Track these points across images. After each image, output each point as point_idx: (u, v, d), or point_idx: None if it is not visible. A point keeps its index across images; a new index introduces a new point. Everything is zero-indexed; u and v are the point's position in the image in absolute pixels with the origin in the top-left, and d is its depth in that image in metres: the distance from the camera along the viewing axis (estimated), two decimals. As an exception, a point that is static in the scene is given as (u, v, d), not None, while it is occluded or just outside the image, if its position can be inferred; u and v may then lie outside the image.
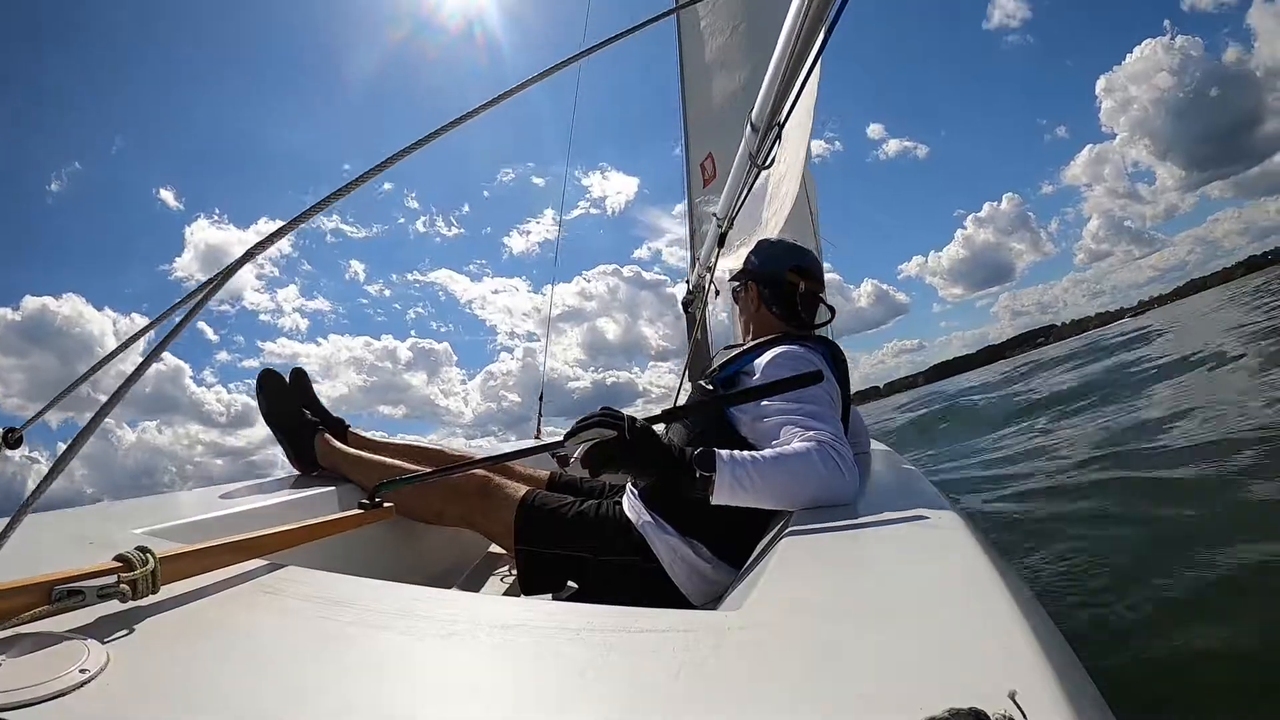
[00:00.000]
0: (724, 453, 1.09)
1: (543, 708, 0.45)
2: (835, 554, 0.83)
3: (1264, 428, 4.10)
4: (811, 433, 1.15)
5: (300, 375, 1.82)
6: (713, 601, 1.25)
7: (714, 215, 2.86)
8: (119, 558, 0.63)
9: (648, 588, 1.35)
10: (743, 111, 2.11)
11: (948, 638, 0.52)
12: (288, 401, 1.75)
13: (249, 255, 0.64)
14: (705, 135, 4.21)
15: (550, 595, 1.44)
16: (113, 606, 0.60)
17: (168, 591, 0.66)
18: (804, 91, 1.74)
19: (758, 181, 2.45)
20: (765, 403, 1.26)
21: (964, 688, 0.42)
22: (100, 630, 0.56)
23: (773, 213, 2.66)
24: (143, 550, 0.64)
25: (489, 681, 0.51)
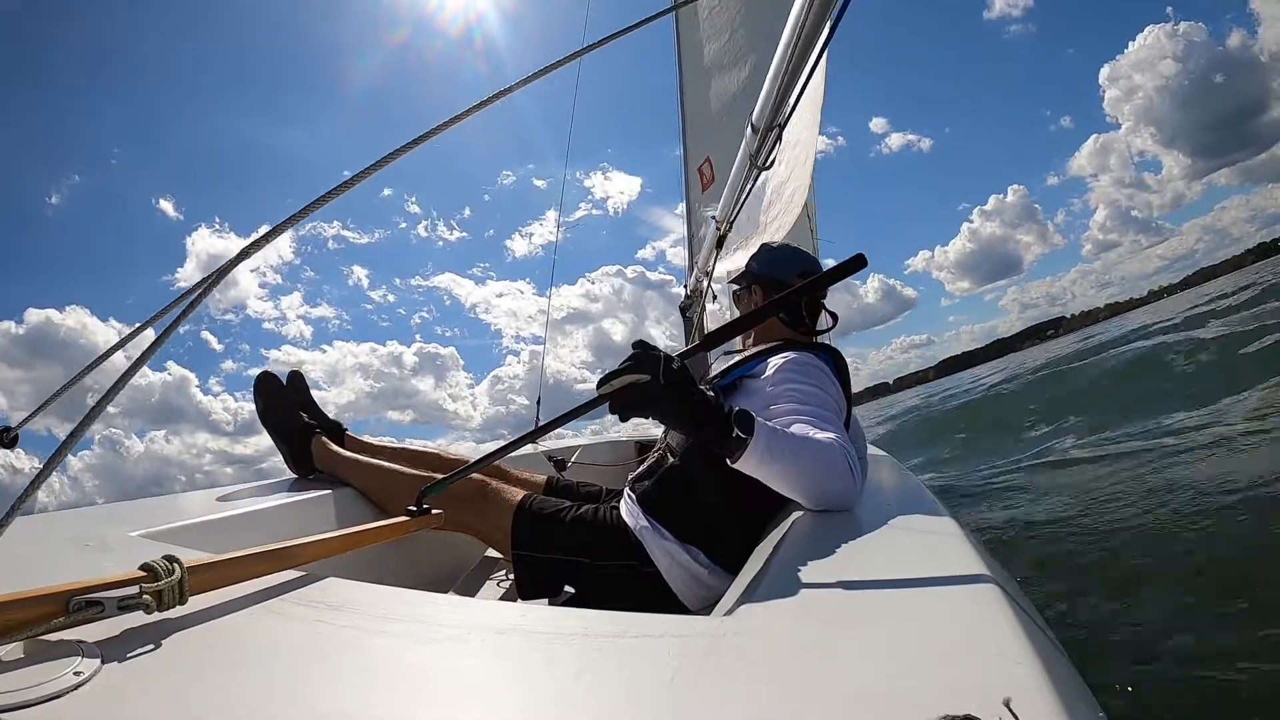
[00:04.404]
0: (760, 419, 1.04)
1: (535, 713, 0.45)
2: (831, 560, 0.83)
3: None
4: (825, 434, 1.13)
5: (297, 378, 1.81)
6: (709, 607, 1.25)
7: (712, 218, 2.86)
8: (144, 567, 0.58)
9: (644, 592, 1.34)
10: (741, 115, 2.11)
11: (943, 644, 0.52)
12: (284, 404, 1.75)
13: (242, 255, 0.64)
14: (703, 140, 4.21)
15: (547, 600, 1.44)
16: (136, 619, 0.57)
17: (196, 603, 0.62)
18: (808, 93, 1.73)
19: (757, 184, 2.45)
20: (773, 405, 1.26)
21: (959, 694, 0.42)
22: (121, 644, 0.53)
23: (774, 216, 2.66)
24: (170, 559, 0.60)
25: (482, 687, 0.51)
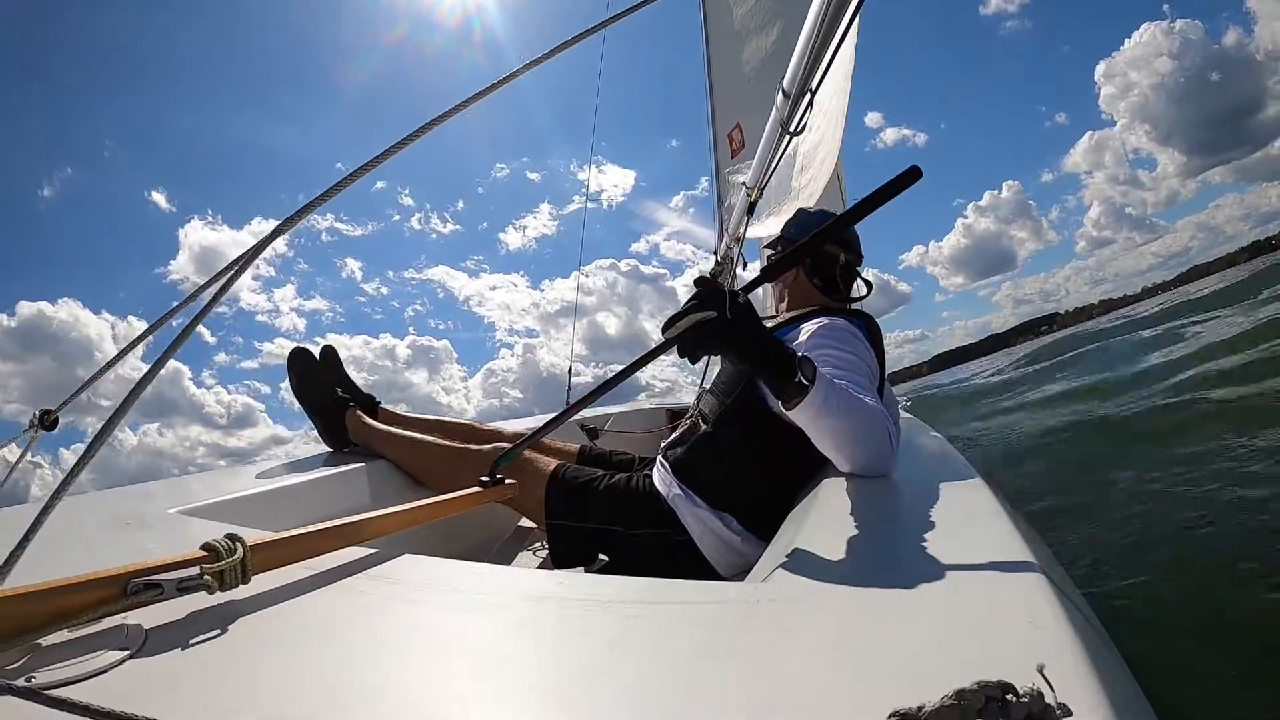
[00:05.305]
0: (825, 370, 1.02)
1: (572, 678, 0.45)
2: (865, 527, 0.83)
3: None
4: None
5: (331, 353, 1.84)
6: (742, 574, 1.26)
7: (743, 185, 2.82)
8: (205, 546, 0.58)
9: (677, 560, 1.36)
10: (772, 80, 2.07)
11: (976, 611, 0.51)
12: (319, 378, 1.78)
13: (250, 256, 0.64)
14: (732, 105, 4.13)
15: (582, 568, 1.45)
16: (196, 600, 0.57)
17: (259, 583, 0.62)
18: (840, 57, 1.69)
19: (788, 150, 2.41)
20: None
21: (992, 661, 0.42)
22: (180, 627, 0.53)
23: (806, 180, 2.62)
24: (232, 538, 0.60)
25: (519, 652, 0.51)
